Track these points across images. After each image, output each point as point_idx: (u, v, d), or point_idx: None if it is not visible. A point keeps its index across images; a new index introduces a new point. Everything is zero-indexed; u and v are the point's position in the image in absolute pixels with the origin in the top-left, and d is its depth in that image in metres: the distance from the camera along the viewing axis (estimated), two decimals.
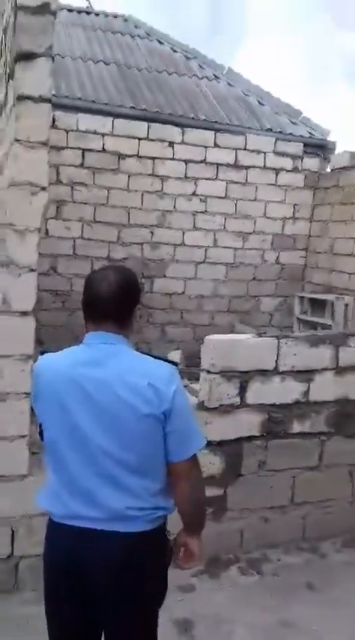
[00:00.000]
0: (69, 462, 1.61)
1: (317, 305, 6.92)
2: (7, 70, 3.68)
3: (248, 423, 3.13)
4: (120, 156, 6.66)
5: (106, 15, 9.80)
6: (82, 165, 6.54)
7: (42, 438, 1.70)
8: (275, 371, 3.20)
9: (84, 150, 6.53)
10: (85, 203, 6.58)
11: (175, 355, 5.91)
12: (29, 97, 3.22)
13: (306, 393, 3.28)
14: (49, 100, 3.42)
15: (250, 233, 7.27)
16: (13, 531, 2.75)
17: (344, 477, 3.38)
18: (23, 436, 2.73)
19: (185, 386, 2.23)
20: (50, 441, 1.65)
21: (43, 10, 3.45)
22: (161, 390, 1.57)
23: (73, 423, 1.59)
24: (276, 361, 3.20)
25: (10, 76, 3.52)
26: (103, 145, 6.59)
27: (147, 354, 1.71)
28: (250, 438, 3.14)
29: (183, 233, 7.02)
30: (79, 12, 9.77)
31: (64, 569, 1.62)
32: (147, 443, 1.59)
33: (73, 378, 1.60)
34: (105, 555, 1.57)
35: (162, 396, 1.57)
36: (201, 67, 8.62)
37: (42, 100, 3.39)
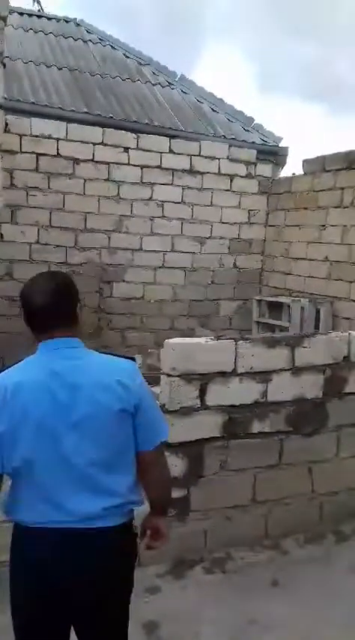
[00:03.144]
0: (45, 476, 1.58)
1: (275, 307, 7.07)
2: None
3: (208, 425, 3.16)
4: (75, 160, 6.62)
5: (58, 19, 9.74)
6: (36, 169, 6.46)
7: None
8: (234, 372, 3.24)
9: (38, 154, 6.46)
10: (41, 207, 6.50)
11: (136, 359, 5.90)
12: None
13: (265, 393, 3.34)
14: (0, 107, 3.40)
15: (207, 238, 7.37)
16: None
17: (304, 474, 3.45)
18: None
19: None
20: (23, 460, 1.58)
21: None
22: (128, 385, 1.63)
23: (49, 436, 1.57)
24: (235, 363, 3.24)
25: None
26: (58, 150, 6.54)
27: (105, 353, 1.74)
28: (211, 439, 3.17)
29: (141, 238, 7.04)
30: (30, 15, 9.68)
31: (41, 572, 1.60)
32: (122, 438, 1.64)
33: (44, 390, 1.59)
34: (85, 551, 1.60)
35: (130, 390, 1.63)
36: (154, 73, 8.68)
37: None
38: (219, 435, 3.19)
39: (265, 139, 7.88)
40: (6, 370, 1.66)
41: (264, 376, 3.34)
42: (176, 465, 3.05)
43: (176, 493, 3.00)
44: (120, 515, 1.65)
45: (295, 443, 3.40)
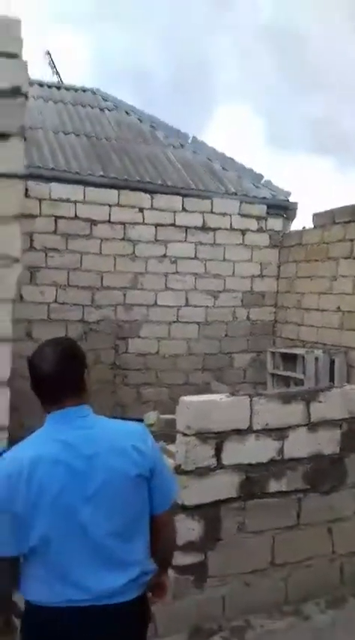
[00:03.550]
0: (62, 553, 1.55)
1: (289, 359, 7.07)
2: None
3: (225, 485, 3.13)
4: (92, 222, 6.89)
5: (76, 89, 10.33)
6: (54, 231, 6.73)
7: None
8: (250, 430, 3.23)
9: (56, 217, 6.74)
10: (59, 268, 6.73)
11: (152, 416, 5.91)
12: (2, 174, 3.39)
13: (281, 450, 3.31)
14: (21, 177, 3.59)
15: (220, 291, 7.50)
16: None
17: (323, 534, 3.38)
18: None
19: (162, 447, 2.28)
20: (40, 538, 1.55)
21: (15, 92, 3.68)
22: (142, 449, 1.65)
23: (65, 511, 1.54)
24: (250, 420, 3.24)
25: None
26: (75, 212, 6.82)
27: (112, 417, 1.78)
28: (228, 500, 3.13)
29: (156, 294, 7.20)
30: (50, 87, 10.29)
31: None
32: (139, 504, 1.64)
33: (58, 464, 1.56)
34: (102, 627, 1.57)
35: (145, 454, 1.64)
36: (167, 136, 9.09)
37: (15, 176, 3.56)
38: (235, 496, 3.15)
39: (275, 194, 8.12)
40: (17, 445, 1.64)
41: (279, 433, 3.31)
42: (193, 528, 3.01)
43: (193, 558, 2.96)
44: (137, 588, 1.63)
45: (313, 502, 3.34)
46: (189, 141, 9.13)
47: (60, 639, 1.57)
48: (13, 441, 1.85)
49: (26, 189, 6.24)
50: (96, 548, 1.56)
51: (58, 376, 1.63)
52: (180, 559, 2.77)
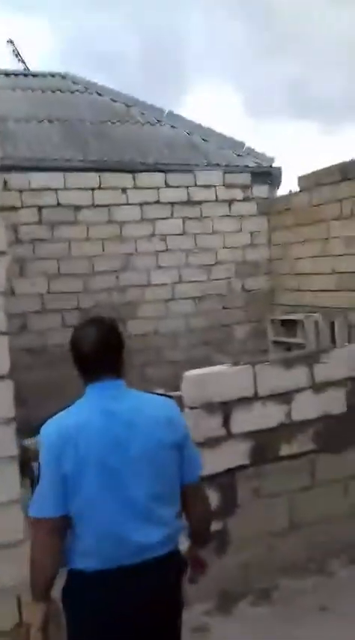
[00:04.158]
0: (106, 514, 1.65)
1: (289, 326, 7.06)
2: None
3: (236, 453, 3.15)
4: (76, 208, 6.79)
5: (44, 75, 10.09)
6: (39, 221, 6.63)
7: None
8: (256, 397, 3.24)
9: (40, 207, 6.63)
10: (48, 258, 6.64)
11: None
12: None
13: (289, 414, 3.32)
14: None
15: (213, 265, 7.45)
16: (19, 600, 2.65)
17: (339, 492, 3.40)
18: (15, 501, 2.68)
19: None
20: (86, 500, 1.64)
21: None
22: (175, 420, 1.77)
23: (110, 474, 1.64)
24: (255, 387, 3.25)
25: None
26: (58, 200, 6.72)
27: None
28: (241, 467, 3.15)
29: (148, 273, 7.14)
30: (17, 75, 10.05)
31: (109, 613, 1.64)
32: (173, 470, 1.74)
33: (102, 430, 1.67)
34: (145, 583, 1.66)
35: (176, 424, 1.76)
36: (142, 113, 8.92)
37: None
38: (248, 463, 3.17)
39: (258, 161, 8.01)
40: (60, 414, 1.74)
41: (286, 397, 3.33)
42: (209, 497, 3.02)
43: (213, 526, 2.97)
44: (171, 543, 1.74)
45: (326, 461, 3.35)
46: (165, 115, 8.97)
47: (107, 600, 1.63)
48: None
49: (4, 182, 6.13)
50: (137, 507, 1.66)
51: (100, 354, 1.74)
52: None
